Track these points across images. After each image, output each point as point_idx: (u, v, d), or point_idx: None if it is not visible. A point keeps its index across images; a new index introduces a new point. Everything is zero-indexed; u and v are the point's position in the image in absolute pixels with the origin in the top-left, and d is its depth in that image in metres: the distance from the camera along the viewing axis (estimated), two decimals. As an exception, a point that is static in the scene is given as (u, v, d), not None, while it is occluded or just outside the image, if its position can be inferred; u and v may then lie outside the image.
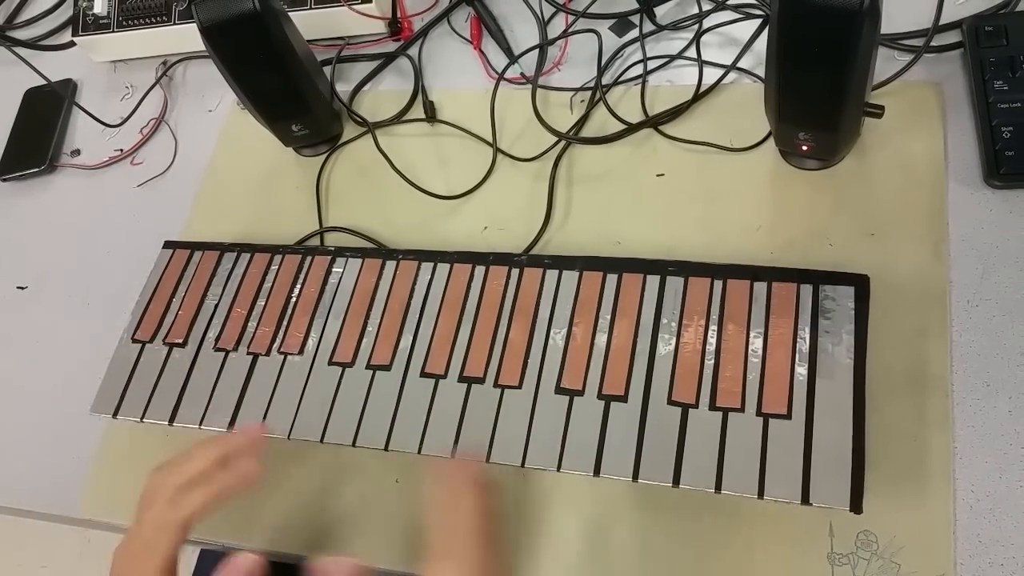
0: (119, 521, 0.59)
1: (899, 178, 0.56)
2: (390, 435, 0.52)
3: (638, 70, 0.66)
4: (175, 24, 0.76)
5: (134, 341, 0.61)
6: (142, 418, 0.57)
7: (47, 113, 0.81)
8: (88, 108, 0.78)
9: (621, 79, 0.66)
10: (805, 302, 0.51)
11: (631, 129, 0.64)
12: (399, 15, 0.74)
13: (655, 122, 0.63)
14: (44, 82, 0.74)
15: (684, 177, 0.61)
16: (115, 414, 0.58)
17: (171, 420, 0.56)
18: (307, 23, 0.69)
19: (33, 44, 0.86)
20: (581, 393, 0.51)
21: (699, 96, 0.63)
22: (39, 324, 0.70)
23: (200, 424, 0.56)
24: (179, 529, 0.48)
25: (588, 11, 0.69)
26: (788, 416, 0.48)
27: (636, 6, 0.67)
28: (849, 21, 0.46)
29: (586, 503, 0.52)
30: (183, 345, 0.59)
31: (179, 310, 0.61)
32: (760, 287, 0.52)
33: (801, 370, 0.49)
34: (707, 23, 0.66)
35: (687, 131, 0.62)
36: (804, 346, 0.49)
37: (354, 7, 0.72)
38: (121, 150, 0.77)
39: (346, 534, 0.54)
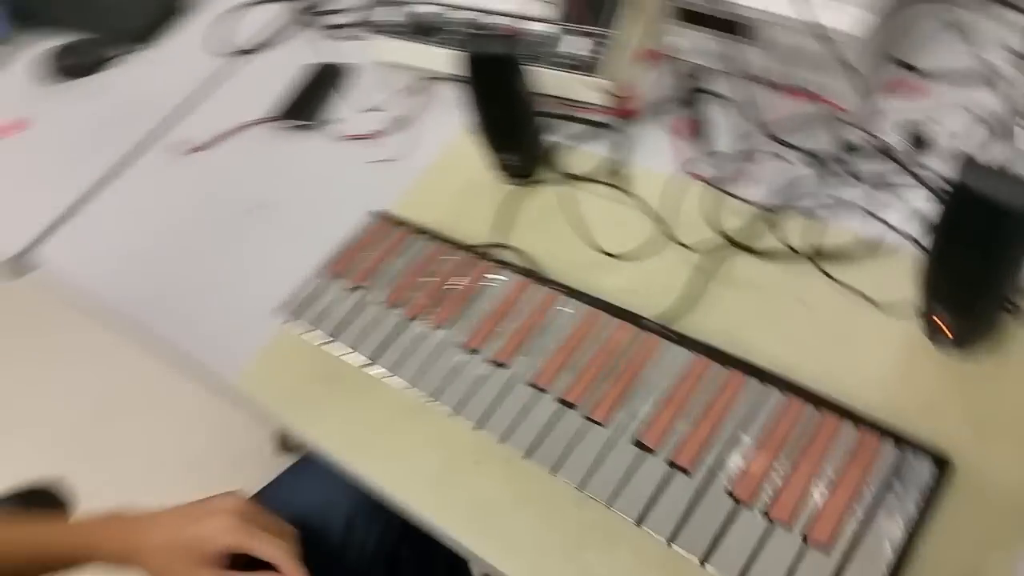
0: (261, 399, 0.72)
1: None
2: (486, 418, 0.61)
3: (813, 201, 0.72)
4: (443, 48, 0.90)
5: (323, 275, 0.74)
6: (304, 333, 0.70)
7: (329, 84, 0.98)
8: (361, 90, 0.95)
9: (795, 204, 0.73)
10: (885, 459, 0.55)
11: (791, 254, 0.70)
12: (626, 96, 0.85)
13: (813, 256, 0.69)
14: (330, 61, 0.91)
15: (823, 312, 0.68)
16: (288, 320, 0.71)
17: (328, 342, 0.69)
18: (544, 78, 0.82)
19: (334, 27, 1.04)
20: (653, 452, 0.58)
21: (864, 247, 0.69)
22: (259, 237, 0.86)
23: (345, 354, 0.68)
24: (222, 543, 0.63)
25: (789, 142, 0.76)
26: (827, 552, 0.52)
27: (831, 149, 0.74)
28: (1010, 220, 0.51)
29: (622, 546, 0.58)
30: (356, 289, 0.72)
31: (364, 263, 0.73)
32: (849, 427, 0.56)
33: (857, 517, 0.53)
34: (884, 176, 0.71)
35: (841, 271, 0.68)
36: (867, 499, 0.53)
37: (590, 79, 0.83)
38: (369, 131, 0.92)
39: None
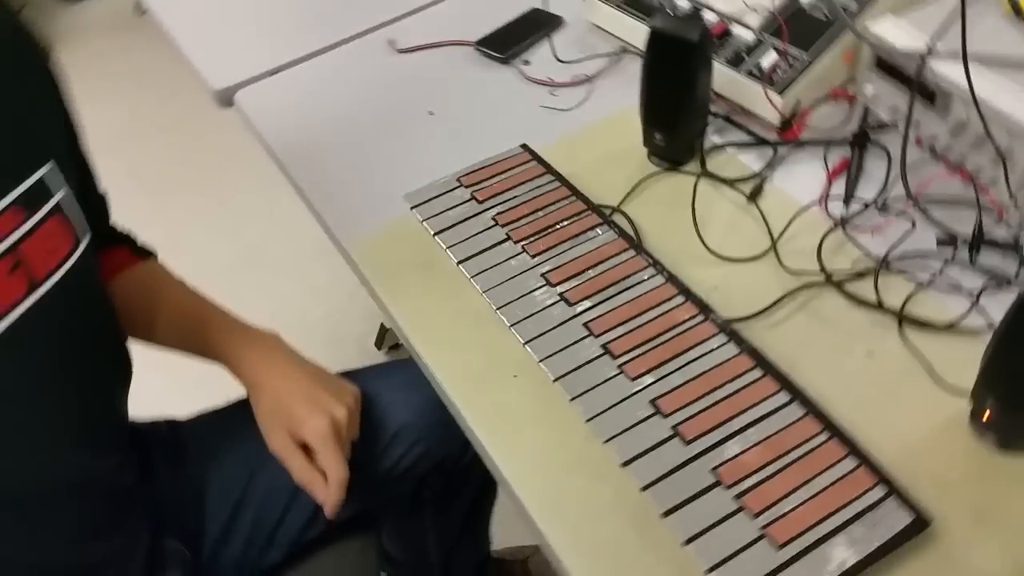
0: (365, 266, 0.85)
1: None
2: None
3: (926, 274, 0.77)
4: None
5: (457, 181, 0.85)
6: (421, 221, 0.82)
7: (534, 28, 1.09)
8: (557, 42, 1.05)
9: (907, 269, 0.76)
10: (869, 497, 0.59)
11: (879, 308, 0.74)
12: (794, 120, 0.90)
13: (900, 316, 0.73)
14: (547, 9, 1.01)
15: (884, 366, 0.72)
16: (412, 207, 0.83)
17: (435, 234, 0.80)
18: (723, 78, 0.89)
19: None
20: (664, 415, 0.64)
21: (949, 324, 0.72)
22: (422, 136, 1.00)
23: (445, 249, 0.78)
24: (307, 436, 0.77)
25: (928, 213, 0.79)
26: (779, 547, 0.57)
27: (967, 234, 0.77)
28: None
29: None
30: (476, 202, 0.82)
31: (493, 183, 0.84)
32: (850, 460, 0.61)
33: (818, 532, 0.57)
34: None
35: (917, 336, 0.73)
36: (836, 522, 0.58)
37: (770, 93, 0.89)
38: (550, 78, 1.02)
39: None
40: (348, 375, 0.94)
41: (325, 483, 0.77)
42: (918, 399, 0.69)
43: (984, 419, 0.66)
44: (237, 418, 0.83)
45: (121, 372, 0.83)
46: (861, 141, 0.89)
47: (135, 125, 2.56)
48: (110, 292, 0.83)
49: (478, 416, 0.73)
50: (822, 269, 0.78)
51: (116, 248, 0.90)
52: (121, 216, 0.93)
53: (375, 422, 0.91)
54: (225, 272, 1.99)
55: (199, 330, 0.86)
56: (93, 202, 0.84)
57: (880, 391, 0.70)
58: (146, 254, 0.93)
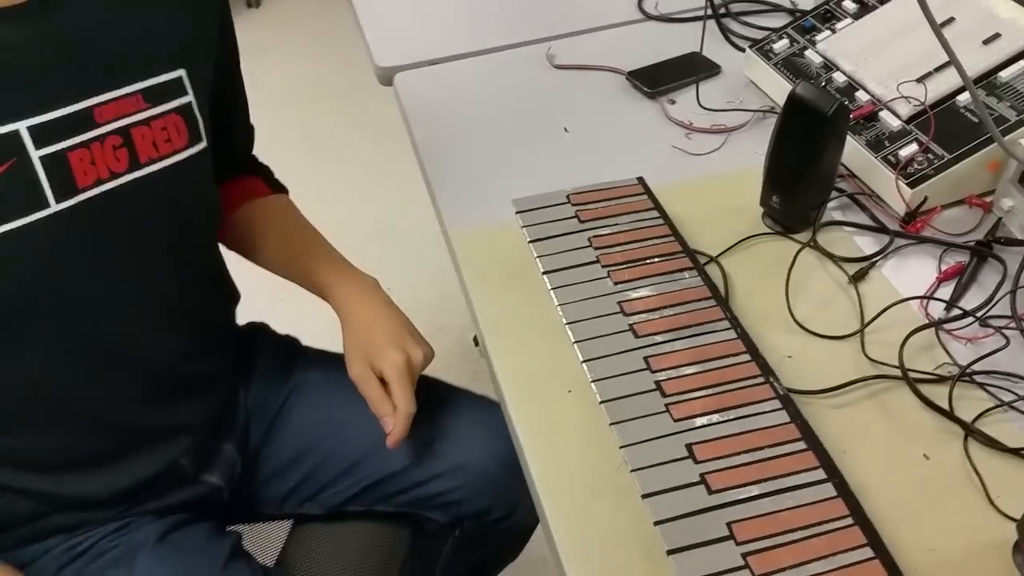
0: (459, 257, 0.93)
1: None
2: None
3: (1009, 396, 0.76)
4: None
5: (567, 197, 0.92)
6: (522, 227, 0.88)
7: (688, 71, 1.14)
8: (708, 89, 1.10)
9: (990, 387, 0.76)
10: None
11: (949, 416, 0.74)
12: (919, 215, 0.90)
13: (968, 428, 0.73)
14: (707, 55, 1.06)
15: (938, 473, 0.72)
16: (517, 212, 0.92)
17: (532, 241, 0.87)
18: (859, 157, 0.93)
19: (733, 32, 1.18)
20: (697, 462, 0.67)
21: (1018, 451, 0.71)
22: (549, 149, 1.06)
23: (536, 258, 0.85)
24: (383, 369, 0.87)
25: None
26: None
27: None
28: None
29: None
30: (578, 221, 0.90)
31: (599, 206, 0.90)
32: (866, 552, 0.62)
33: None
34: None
35: (980, 453, 0.73)
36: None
37: (900, 184, 0.90)
38: (690, 122, 1.06)
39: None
40: (442, 387, 1.01)
41: (394, 413, 0.85)
42: (962, 513, 0.69)
43: (1021, 545, 0.65)
44: (343, 370, 0.91)
45: (218, 278, 0.95)
46: (982, 251, 0.89)
47: (313, 85, 2.76)
48: (237, 217, 0.96)
49: (523, 416, 0.78)
50: (901, 364, 0.79)
51: (252, 177, 1.01)
52: (277, 167, 1.04)
53: (444, 447, 0.97)
54: (354, 237, 2.12)
55: (304, 258, 0.96)
56: (237, 128, 0.96)
57: (926, 495, 0.70)
58: (279, 188, 1.03)
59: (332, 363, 0.97)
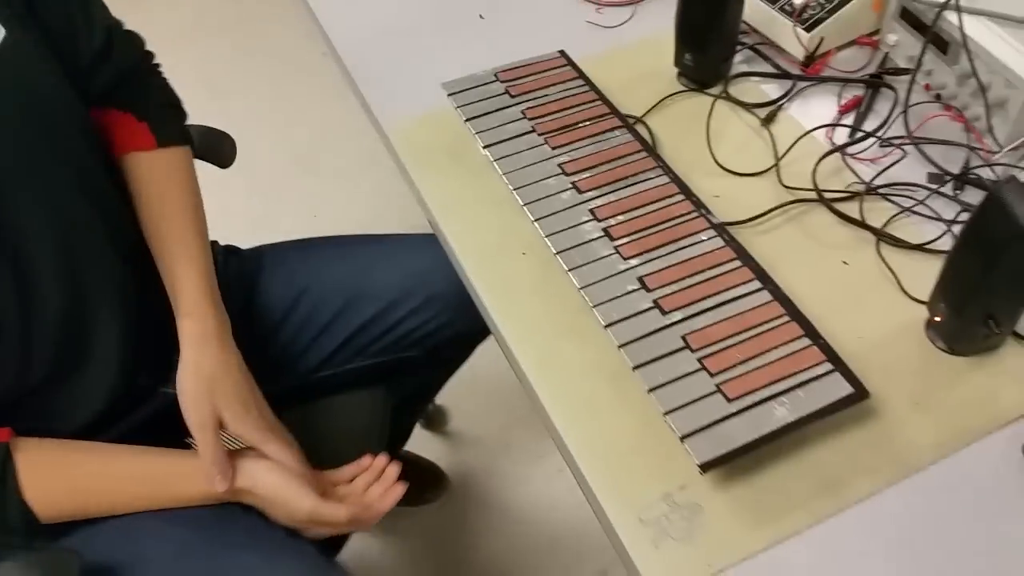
0: (399, 147, 0.97)
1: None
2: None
3: (911, 202, 0.87)
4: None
5: (495, 76, 0.96)
6: (456, 108, 0.94)
7: None
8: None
9: (894, 197, 0.86)
10: (816, 369, 0.70)
11: (862, 226, 0.84)
12: (817, 58, 0.99)
13: (879, 234, 0.83)
14: None
15: (857, 275, 0.83)
16: (449, 95, 0.96)
17: (467, 120, 0.92)
18: (758, 11, 1.02)
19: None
20: (648, 290, 0.75)
21: (922, 246, 0.83)
22: (470, 33, 1.12)
23: (475, 134, 0.90)
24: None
25: (923, 150, 0.89)
26: (730, 401, 0.68)
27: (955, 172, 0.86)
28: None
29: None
30: (509, 96, 0.95)
31: (527, 81, 0.95)
32: (804, 340, 0.72)
33: (766, 393, 0.68)
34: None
35: (892, 254, 0.83)
36: (783, 387, 0.69)
37: (797, 30, 0.98)
38: (598, 1, 1.12)
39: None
40: (395, 239, 1.07)
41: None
42: (882, 304, 0.80)
43: (932, 321, 0.76)
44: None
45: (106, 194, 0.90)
46: (875, 83, 0.99)
47: (201, 23, 2.69)
48: (121, 166, 0.93)
49: (486, 285, 0.85)
50: (815, 187, 0.88)
51: (135, 119, 0.94)
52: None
53: (407, 291, 1.05)
54: (276, 171, 2.14)
55: (167, 258, 0.91)
56: (55, 14, 0.86)
57: (849, 293, 0.81)
58: (167, 139, 0.95)
59: (279, 247, 1.04)
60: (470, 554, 1.51)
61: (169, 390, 0.89)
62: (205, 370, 0.86)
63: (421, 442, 1.63)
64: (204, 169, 1.08)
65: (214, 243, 1.05)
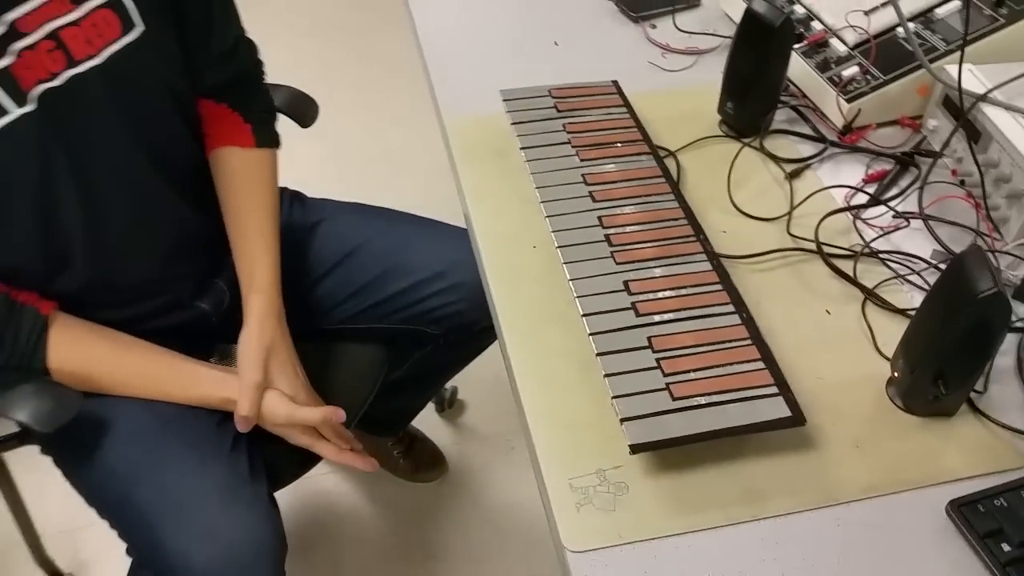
0: (452, 137, 1.07)
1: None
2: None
3: (907, 271, 0.92)
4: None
5: (548, 91, 1.07)
6: (507, 112, 1.04)
7: (671, 1, 1.27)
8: (687, 18, 1.24)
9: (892, 265, 0.92)
10: (764, 390, 0.76)
11: (854, 283, 0.89)
12: (855, 129, 1.05)
13: (867, 293, 0.89)
14: None
15: (836, 326, 0.88)
16: (504, 100, 1.06)
17: (514, 123, 1.03)
18: (805, 76, 1.08)
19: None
20: (630, 294, 0.82)
21: (905, 312, 0.88)
22: (539, 53, 1.21)
23: (516, 137, 0.99)
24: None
25: (932, 229, 0.95)
26: (674, 399, 0.74)
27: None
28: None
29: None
30: (556, 110, 1.05)
31: (575, 101, 1.05)
32: (760, 364, 0.77)
33: (708, 400, 0.74)
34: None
35: (874, 314, 0.88)
36: (726, 397, 0.75)
37: (839, 99, 1.04)
38: (668, 44, 1.21)
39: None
40: (436, 224, 1.21)
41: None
42: (851, 355, 0.85)
43: (892, 377, 0.80)
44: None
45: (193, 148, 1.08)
46: (904, 160, 1.04)
47: (330, 20, 2.90)
48: (212, 157, 1.08)
49: (494, 267, 0.94)
50: (816, 239, 0.93)
51: (242, 120, 1.09)
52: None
53: (443, 269, 1.15)
54: (362, 160, 2.31)
55: (243, 243, 1.07)
56: (196, 16, 1.00)
57: (822, 338, 0.86)
58: (265, 140, 1.11)
59: (338, 206, 1.20)
60: (446, 537, 1.60)
61: (202, 305, 1.09)
62: (266, 340, 1.03)
63: (432, 426, 1.74)
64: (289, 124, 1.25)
65: (283, 188, 1.20)
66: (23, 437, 1.13)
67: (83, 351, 0.98)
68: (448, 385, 1.71)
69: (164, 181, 1.01)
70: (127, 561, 1.07)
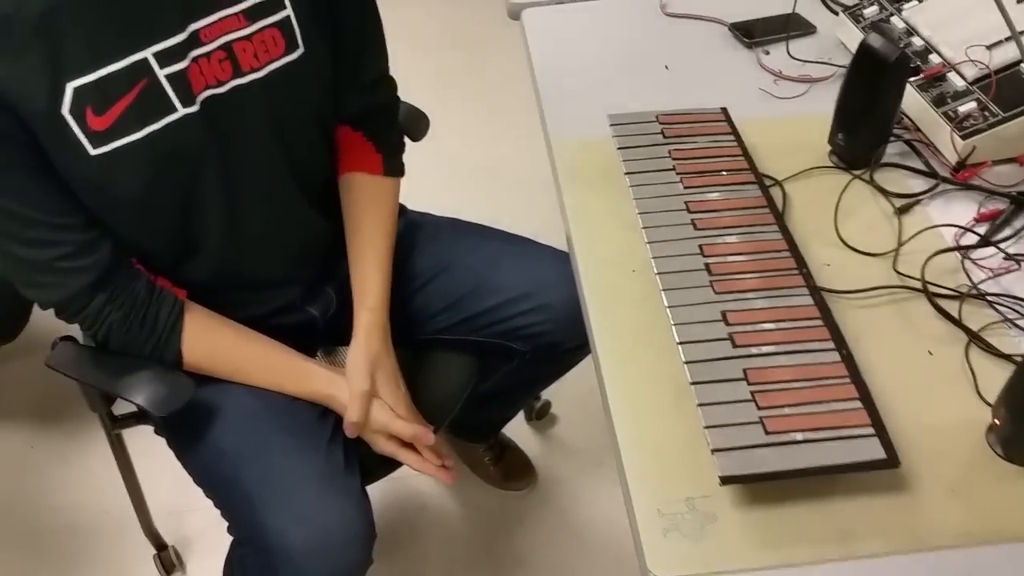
0: (559, 159, 1.10)
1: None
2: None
3: (1015, 315, 0.90)
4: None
5: (656, 117, 1.08)
6: (614, 136, 1.05)
7: (784, 27, 1.29)
8: (800, 45, 1.24)
9: (999, 306, 0.90)
10: (856, 430, 0.76)
11: (959, 325, 0.88)
12: (968, 165, 1.03)
13: (972, 336, 0.88)
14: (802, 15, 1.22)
15: (937, 367, 0.86)
16: (611, 124, 1.09)
17: (620, 147, 1.05)
18: (921, 110, 1.06)
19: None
20: (728, 325, 0.83)
21: (1011, 357, 0.86)
22: (649, 80, 1.22)
23: (624, 173, 1.01)
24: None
25: None
26: (767, 433, 0.75)
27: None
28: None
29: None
30: (662, 136, 1.06)
31: (682, 127, 1.06)
32: (857, 403, 0.77)
33: (802, 435, 0.75)
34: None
35: (977, 357, 0.87)
36: (821, 435, 0.75)
37: (953, 135, 1.03)
38: (780, 71, 1.22)
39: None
40: (528, 243, 1.25)
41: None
42: (952, 399, 0.84)
43: (993, 424, 0.79)
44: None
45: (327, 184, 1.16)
46: (1020, 200, 1.01)
47: (445, 32, 2.97)
48: (340, 181, 1.16)
49: (593, 290, 0.96)
50: (922, 278, 0.92)
51: (373, 149, 1.16)
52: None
53: (531, 289, 1.18)
54: (466, 171, 2.36)
55: (361, 263, 1.14)
56: (352, 36, 1.07)
57: (923, 380, 0.85)
58: (392, 170, 1.18)
59: (437, 221, 1.26)
60: (531, 547, 1.63)
61: (312, 310, 1.17)
62: (373, 353, 1.10)
63: (524, 436, 1.77)
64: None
65: None
66: (139, 417, 1.22)
67: (211, 338, 1.06)
68: (542, 395, 1.75)
69: (299, 190, 1.09)
70: (227, 540, 1.13)
